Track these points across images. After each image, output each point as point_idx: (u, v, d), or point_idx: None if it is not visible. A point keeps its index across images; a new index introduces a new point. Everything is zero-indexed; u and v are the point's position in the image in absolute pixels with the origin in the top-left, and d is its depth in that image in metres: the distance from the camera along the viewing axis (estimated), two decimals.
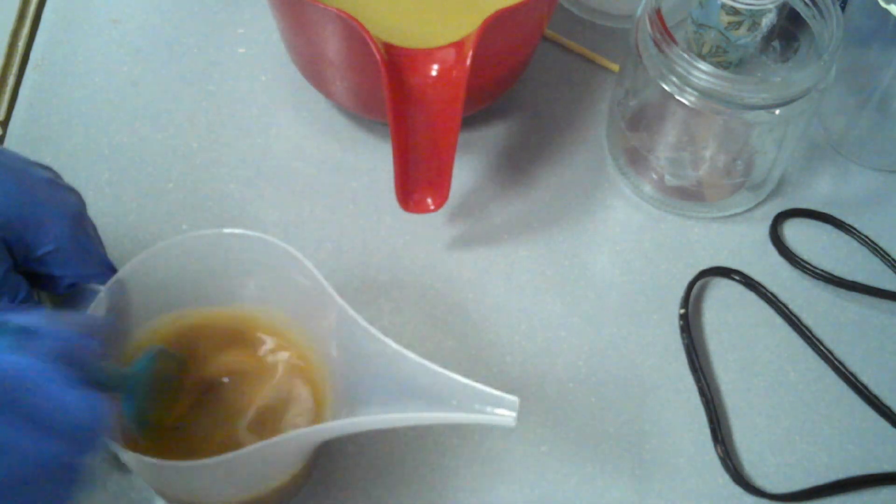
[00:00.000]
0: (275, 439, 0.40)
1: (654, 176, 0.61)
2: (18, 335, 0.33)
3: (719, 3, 0.58)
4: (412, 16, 0.60)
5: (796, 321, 0.57)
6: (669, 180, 0.60)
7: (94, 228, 0.46)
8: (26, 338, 0.33)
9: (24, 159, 0.43)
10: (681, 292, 0.57)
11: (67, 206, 0.43)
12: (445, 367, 0.40)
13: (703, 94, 0.53)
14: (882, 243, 0.60)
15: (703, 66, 0.52)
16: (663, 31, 0.53)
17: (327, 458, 0.50)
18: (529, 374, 0.54)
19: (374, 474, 0.50)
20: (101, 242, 0.46)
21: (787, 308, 0.57)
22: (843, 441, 0.53)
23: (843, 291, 0.58)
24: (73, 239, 0.43)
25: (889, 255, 0.60)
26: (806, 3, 0.56)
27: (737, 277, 0.58)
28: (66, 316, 0.37)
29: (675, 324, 0.56)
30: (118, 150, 0.61)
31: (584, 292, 0.57)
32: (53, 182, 0.44)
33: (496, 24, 0.51)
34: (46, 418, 0.32)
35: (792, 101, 0.53)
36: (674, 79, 0.54)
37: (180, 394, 0.46)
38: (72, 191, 0.45)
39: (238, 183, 0.60)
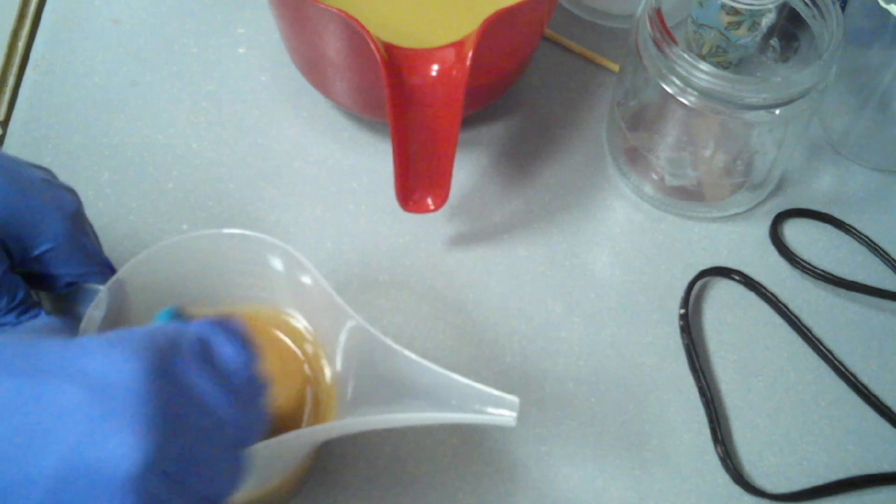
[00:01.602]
0: (275, 439, 0.40)
1: (654, 176, 0.61)
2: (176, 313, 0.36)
3: (719, 3, 0.58)
4: (412, 16, 0.60)
5: (796, 321, 0.57)
6: (669, 180, 0.60)
7: (91, 228, 0.46)
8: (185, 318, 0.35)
9: (17, 160, 0.43)
10: (681, 292, 0.57)
11: (64, 204, 0.43)
12: (445, 367, 0.40)
13: (704, 94, 0.53)
14: (882, 243, 0.60)
15: (704, 66, 0.52)
16: (663, 31, 0.53)
17: (327, 458, 0.50)
18: (529, 374, 0.54)
19: (374, 474, 0.50)
20: (98, 241, 0.46)
21: (787, 308, 0.57)
22: (843, 441, 0.53)
23: (843, 291, 0.58)
24: (71, 237, 0.43)
25: (889, 255, 0.60)
26: (806, 3, 0.56)
27: (737, 277, 0.58)
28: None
29: (675, 324, 0.56)
30: (118, 150, 0.61)
31: (584, 292, 0.57)
32: (48, 181, 0.43)
33: (496, 24, 0.51)
34: (231, 380, 0.34)
35: (792, 101, 0.53)
36: (674, 79, 0.54)
37: None
38: (68, 190, 0.44)
39: (238, 183, 0.60)
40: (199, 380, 0.33)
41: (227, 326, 0.35)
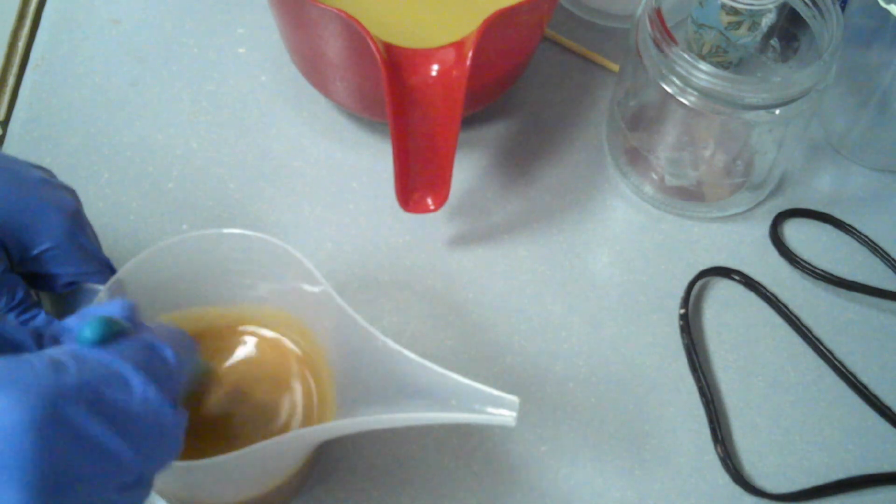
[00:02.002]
0: (275, 439, 0.40)
1: (654, 176, 0.61)
2: (104, 328, 0.32)
3: (719, 3, 0.58)
4: (412, 16, 0.60)
5: (796, 321, 0.57)
6: (669, 180, 0.60)
7: (90, 227, 0.46)
8: (113, 336, 0.32)
9: (15, 160, 0.43)
10: (681, 292, 0.57)
11: (63, 204, 0.43)
12: (445, 367, 0.40)
13: (704, 94, 0.53)
14: (882, 243, 0.60)
15: (704, 66, 0.52)
16: (663, 31, 0.53)
17: (327, 458, 0.50)
18: (529, 374, 0.54)
19: (374, 474, 0.50)
20: (97, 241, 0.46)
21: (787, 308, 0.57)
22: (843, 441, 0.53)
23: (843, 291, 0.58)
24: (70, 237, 0.43)
25: (889, 255, 0.60)
26: (806, 3, 0.56)
27: (737, 277, 0.58)
28: (155, 325, 0.35)
29: (675, 324, 0.56)
30: (118, 150, 0.61)
31: (584, 292, 0.57)
32: (47, 181, 0.43)
33: (496, 24, 0.51)
34: (130, 424, 0.31)
35: (792, 101, 0.53)
36: (674, 79, 0.54)
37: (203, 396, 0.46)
38: (67, 189, 0.44)
39: (238, 183, 0.60)
40: (92, 426, 0.29)
41: (150, 352, 0.33)
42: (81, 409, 0.29)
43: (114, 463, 0.30)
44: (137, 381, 0.31)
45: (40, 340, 0.34)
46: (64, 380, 0.29)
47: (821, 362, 0.56)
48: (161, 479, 0.44)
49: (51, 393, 0.28)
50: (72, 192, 0.45)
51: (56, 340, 0.34)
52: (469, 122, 0.63)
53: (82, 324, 0.33)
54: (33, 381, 0.28)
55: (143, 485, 0.32)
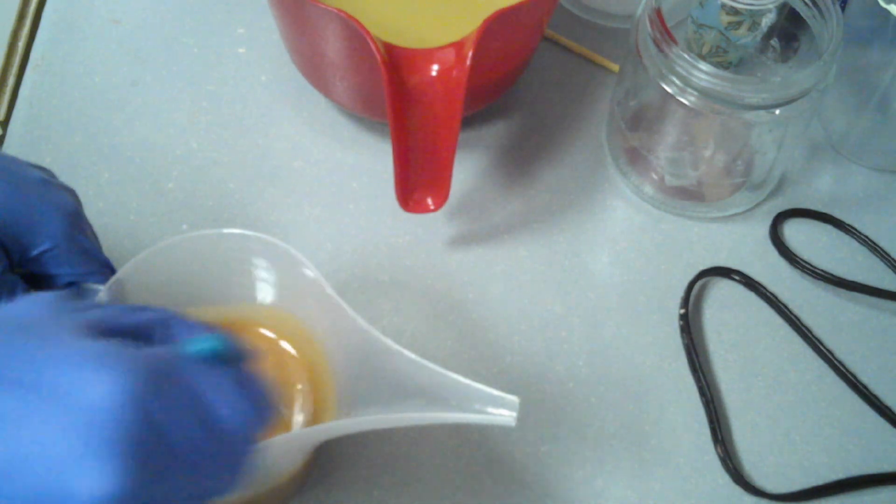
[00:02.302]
0: (275, 439, 0.40)
1: (654, 176, 0.61)
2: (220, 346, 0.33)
3: (719, 3, 0.58)
4: (412, 16, 0.60)
5: (796, 321, 0.57)
6: (669, 180, 0.60)
7: (90, 227, 0.46)
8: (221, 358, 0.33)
9: (15, 160, 0.43)
10: (681, 292, 0.57)
11: (62, 204, 0.43)
12: (445, 367, 0.40)
13: (704, 94, 0.53)
14: (882, 243, 0.60)
15: (704, 66, 0.52)
16: (663, 31, 0.53)
17: (327, 458, 0.50)
18: (529, 374, 0.54)
19: (374, 474, 0.50)
20: (97, 241, 0.46)
21: (787, 308, 0.57)
22: (843, 441, 0.53)
23: (843, 291, 0.58)
24: (69, 237, 0.43)
25: (889, 255, 0.60)
26: (806, 3, 0.56)
27: (737, 277, 0.58)
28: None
29: (675, 324, 0.56)
30: (118, 150, 0.61)
31: (584, 292, 0.57)
32: (47, 181, 0.43)
33: (496, 24, 0.51)
34: (221, 436, 0.31)
35: (792, 101, 0.53)
36: (674, 79, 0.54)
37: None
38: (67, 190, 0.44)
39: (238, 183, 0.60)
40: (185, 424, 0.30)
41: (240, 379, 0.32)
42: (183, 398, 0.30)
43: (193, 469, 0.30)
44: (227, 404, 0.31)
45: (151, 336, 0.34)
46: (166, 367, 0.30)
47: (821, 362, 0.56)
48: None
49: (153, 375, 0.29)
50: (72, 193, 0.45)
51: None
52: (469, 122, 0.63)
53: (200, 337, 0.33)
54: (137, 361, 0.29)
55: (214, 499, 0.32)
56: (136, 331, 0.33)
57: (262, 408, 0.33)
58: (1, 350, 0.29)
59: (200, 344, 0.33)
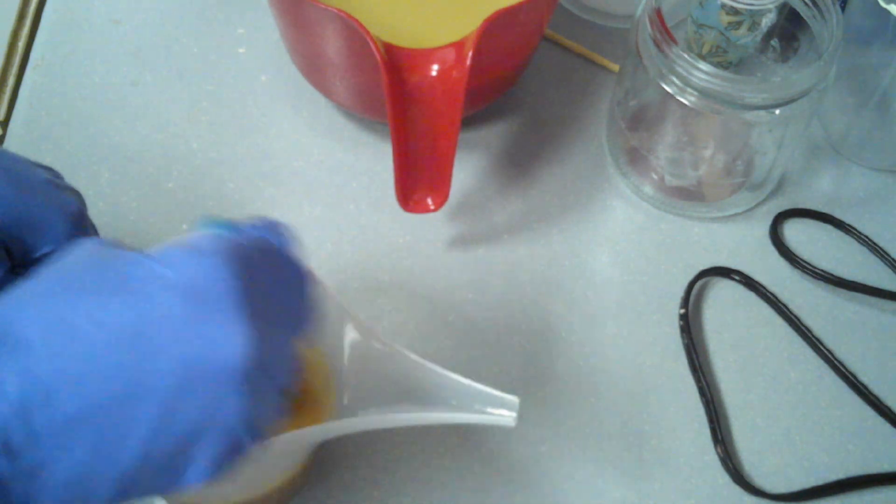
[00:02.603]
0: (274, 439, 0.40)
1: (654, 176, 0.61)
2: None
3: (719, 3, 0.58)
4: (412, 16, 0.60)
5: (796, 321, 0.57)
6: (669, 180, 0.60)
7: (95, 230, 0.46)
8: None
9: (22, 160, 0.43)
10: (681, 292, 0.57)
11: (67, 207, 0.43)
12: (445, 367, 0.40)
13: (703, 94, 0.53)
14: (882, 243, 0.60)
15: (703, 66, 0.52)
16: (663, 31, 0.53)
17: (327, 458, 0.50)
18: (529, 374, 0.54)
19: (374, 474, 0.50)
20: None
21: (787, 308, 0.57)
22: (843, 441, 0.53)
23: (843, 291, 0.58)
24: (72, 240, 0.43)
25: (889, 255, 0.60)
26: (806, 3, 0.56)
27: (737, 277, 0.58)
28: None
29: (675, 324, 0.56)
30: (118, 150, 0.61)
31: (584, 292, 0.57)
32: (52, 183, 0.43)
33: (496, 24, 0.51)
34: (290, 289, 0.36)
35: (792, 101, 0.53)
36: (674, 79, 0.54)
37: None
38: (72, 191, 0.44)
39: (238, 183, 0.60)
40: (272, 286, 0.34)
41: (278, 234, 0.37)
42: (261, 271, 0.34)
43: (287, 322, 0.35)
44: (285, 259, 0.36)
45: None
46: (241, 248, 0.34)
47: (821, 362, 0.56)
48: None
49: (238, 255, 0.33)
50: (76, 195, 0.44)
51: None
52: (469, 122, 0.63)
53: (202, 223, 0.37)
54: (221, 247, 0.33)
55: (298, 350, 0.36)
56: None
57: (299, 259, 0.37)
58: (112, 263, 0.33)
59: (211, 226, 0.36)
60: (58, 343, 0.30)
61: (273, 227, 0.37)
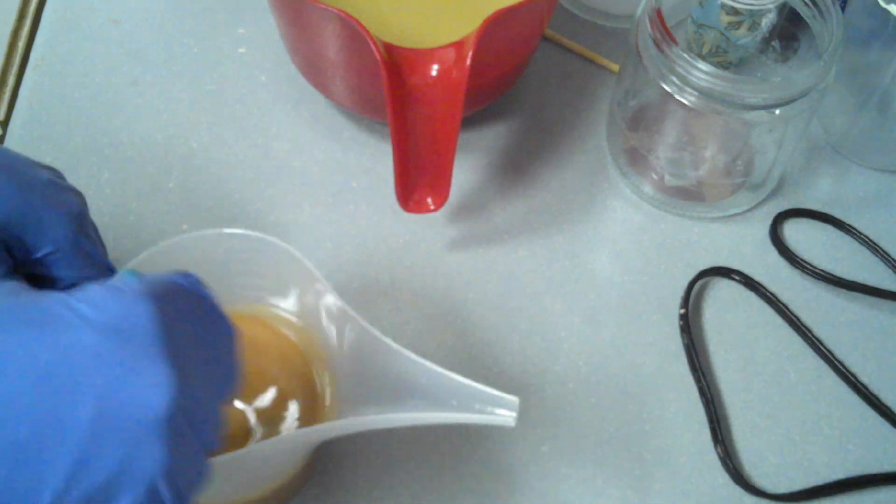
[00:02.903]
0: (275, 439, 0.40)
1: (654, 176, 0.61)
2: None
3: (719, 3, 0.58)
4: (412, 16, 0.60)
5: (796, 321, 0.57)
6: (669, 180, 0.60)
7: (96, 230, 0.46)
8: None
9: (24, 159, 0.43)
10: (681, 292, 0.57)
11: (68, 207, 0.43)
12: (445, 367, 0.40)
13: (703, 94, 0.53)
14: (882, 243, 0.60)
15: (703, 66, 0.52)
16: (663, 31, 0.53)
17: (327, 458, 0.50)
18: (529, 374, 0.54)
19: (375, 474, 0.50)
20: (102, 244, 0.46)
21: (787, 308, 0.57)
22: (843, 441, 0.53)
23: (843, 291, 0.58)
24: (74, 241, 0.43)
25: (889, 255, 0.60)
26: (806, 3, 0.56)
27: (737, 277, 0.58)
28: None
29: (675, 324, 0.56)
30: (118, 150, 0.61)
31: (584, 292, 0.57)
32: (54, 183, 0.43)
33: (496, 24, 0.51)
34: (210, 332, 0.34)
35: (792, 101, 0.53)
36: (674, 79, 0.54)
37: None
38: (73, 192, 0.44)
39: (238, 183, 0.60)
40: (199, 335, 0.33)
41: (202, 287, 0.36)
42: (182, 311, 0.33)
43: (208, 365, 0.33)
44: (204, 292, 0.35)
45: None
46: (162, 287, 0.33)
47: (821, 362, 0.56)
48: None
49: (160, 294, 0.32)
50: (78, 195, 0.44)
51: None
52: (469, 122, 0.63)
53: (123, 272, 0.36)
54: (144, 286, 0.32)
55: (222, 398, 0.35)
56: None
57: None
58: (29, 300, 0.31)
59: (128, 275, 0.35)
60: None
61: (197, 281, 0.35)
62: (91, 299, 0.31)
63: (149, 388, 0.30)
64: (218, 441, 0.34)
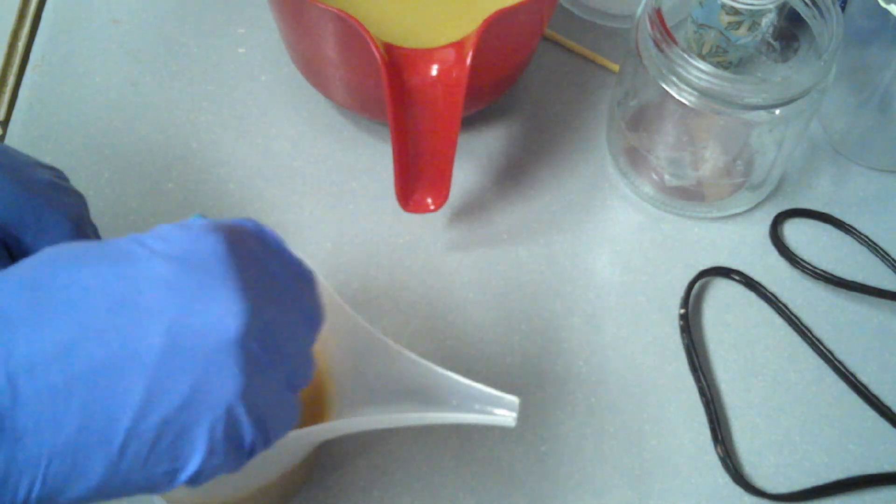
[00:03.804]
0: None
1: (654, 176, 0.61)
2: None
3: (719, 3, 0.58)
4: (412, 16, 0.60)
5: (796, 321, 0.57)
6: (669, 180, 0.60)
7: (96, 232, 0.46)
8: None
9: (26, 159, 0.43)
10: (681, 292, 0.57)
11: (68, 208, 0.43)
12: (445, 367, 0.40)
13: (703, 94, 0.53)
14: (882, 243, 0.60)
15: (703, 66, 0.52)
16: (663, 31, 0.53)
17: (327, 458, 0.50)
18: (529, 374, 0.54)
19: (374, 474, 0.50)
20: None
21: (787, 308, 0.57)
22: (843, 441, 0.53)
23: (843, 291, 0.58)
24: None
25: (889, 255, 0.60)
26: (806, 3, 0.56)
27: (737, 277, 0.58)
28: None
29: (675, 324, 0.56)
30: (118, 150, 0.61)
31: (584, 292, 0.57)
32: (54, 184, 0.43)
33: (496, 24, 0.51)
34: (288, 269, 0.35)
35: (792, 101, 0.53)
36: (674, 79, 0.54)
37: None
38: (74, 193, 0.44)
39: (238, 183, 0.60)
40: (275, 274, 0.33)
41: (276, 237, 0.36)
42: (254, 247, 0.33)
43: (286, 301, 0.33)
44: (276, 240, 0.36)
45: None
46: (231, 226, 0.33)
47: (821, 362, 0.56)
48: None
49: (228, 231, 0.32)
50: (79, 197, 0.44)
51: None
52: (469, 122, 0.63)
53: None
54: (211, 223, 0.33)
55: (310, 339, 0.36)
56: None
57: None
58: (101, 243, 0.32)
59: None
60: (40, 311, 0.29)
61: (261, 226, 0.36)
62: (161, 235, 0.32)
63: (219, 313, 0.30)
64: (305, 379, 0.34)
